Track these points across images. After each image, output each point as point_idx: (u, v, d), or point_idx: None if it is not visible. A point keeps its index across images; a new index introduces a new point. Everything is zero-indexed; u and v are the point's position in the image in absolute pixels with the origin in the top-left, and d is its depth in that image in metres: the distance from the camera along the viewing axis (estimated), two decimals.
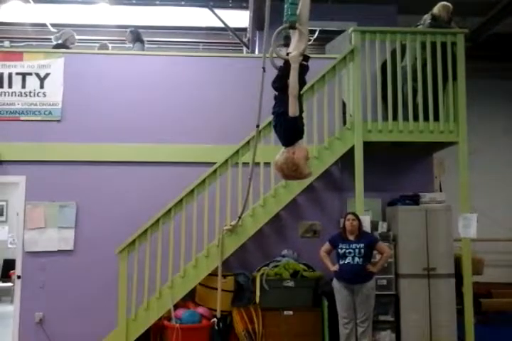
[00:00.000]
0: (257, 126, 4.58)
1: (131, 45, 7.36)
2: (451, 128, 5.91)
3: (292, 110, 3.14)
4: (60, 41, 6.98)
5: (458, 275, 5.75)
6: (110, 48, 7.53)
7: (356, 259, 5.17)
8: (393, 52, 5.97)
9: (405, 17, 7.34)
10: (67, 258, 6.09)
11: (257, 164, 5.46)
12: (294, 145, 3.21)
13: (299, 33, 3.33)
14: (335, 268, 5.29)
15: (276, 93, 3.35)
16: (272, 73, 3.45)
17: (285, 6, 3.37)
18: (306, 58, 3.32)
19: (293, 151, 3.15)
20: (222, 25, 8.25)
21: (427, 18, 6.28)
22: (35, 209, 6.14)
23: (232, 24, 8.34)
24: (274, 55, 3.48)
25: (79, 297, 5.95)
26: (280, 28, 3.39)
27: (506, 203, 8.75)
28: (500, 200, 8.68)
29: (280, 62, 3.38)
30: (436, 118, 5.92)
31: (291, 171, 3.17)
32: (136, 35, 7.33)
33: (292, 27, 3.39)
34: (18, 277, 6.06)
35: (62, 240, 6.11)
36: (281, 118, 3.22)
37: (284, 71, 3.25)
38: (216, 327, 5.48)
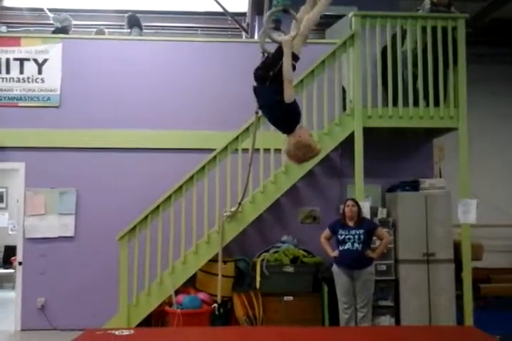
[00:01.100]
0: (256, 113, 4.55)
1: (129, 31, 7.28)
2: (452, 114, 5.89)
3: (289, 95, 3.11)
4: (58, 24, 6.91)
5: (457, 261, 5.78)
6: (107, 33, 7.45)
7: (356, 245, 5.18)
8: (393, 37, 5.93)
9: (406, 1, 7.26)
10: (67, 244, 6.12)
11: (257, 150, 5.45)
12: (295, 130, 3.20)
13: (296, 24, 3.27)
14: (334, 253, 5.31)
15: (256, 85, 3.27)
16: None
17: None
18: (295, 58, 3.26)
19: (298, 135, 3.14)
20: (221, 10, 8.17)
21: (426, 2, 6.23)
22: (35, 195, 6.14)
23: (231, 9, 8.26)
24: (266, 38, 3.44)
25: (80, 283, 5.99)
26: (272, 10, 3.36)
27: (506, 189, 8.75)
28: (500, 186, 8.68)
29: (271, 48, 3.35)
30: (437, 103, 5.89)
31: (305, 153, 3.18)
32: (134, 20, 7.25)
33: (286, 11, 3.37)
34: (20, 263, 6.10)
35: (63, 226, 6.14)
36: (276, 107, 3.18)
37: (276, 58, 3.19)
38: (217, 313, 5.53)
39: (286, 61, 3.14)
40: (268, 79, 3.15)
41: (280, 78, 3.11)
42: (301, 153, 3.18)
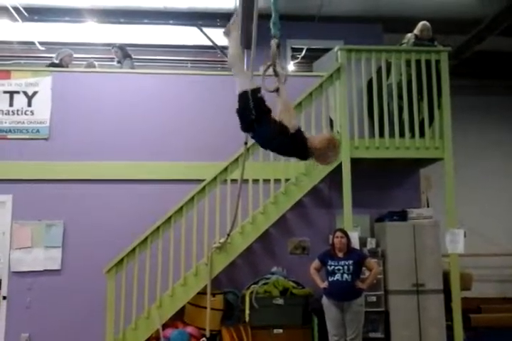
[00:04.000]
0: (245, 143, 4.60)
1: (119, 63, 7.36)
2: (437, 145, 5.99)
3: (295, 123, 3.14)
4: (56, 61, 6.99)
5: (447, 291, 5.76)
6: (97, 66, 7.55)
7: (345, 276, 5.16)
8: (379, 70, 6.07)
9: (391, 35, 7.47)
10: (54, 277, 6.02)
11: (246, 181, 5.47)
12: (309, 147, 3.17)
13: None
14: (324, 285, 5.27)
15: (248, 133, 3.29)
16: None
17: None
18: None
19: (315, 147, 3.09)
20: (211, 44, 8.33)
21: (410, 37, 6.42)
22: (21, 228, 6.07)
23: (220, 42, 8.41)
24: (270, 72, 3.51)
25: (66, 317, 5.87)
26: (273, 44, 3.44)
27: (494, 218, 8.81)
28: (488, 215, 8.74)
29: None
30: (422, 134, 5.99)
31: (333, 148, 3.15)
32: (125, 52, 7.35)
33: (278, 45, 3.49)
34: (4, 298, 5.97)
35: (49, 259, 6.04)
36: (285, 140, 3.14)
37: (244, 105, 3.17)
38: None
39: (285, 93, 3.22)
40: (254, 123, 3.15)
41: (265, 117, 3.12)
42: (330, 150, 3.14)
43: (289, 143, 3.16)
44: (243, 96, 3.11)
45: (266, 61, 3.45)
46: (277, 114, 3.27)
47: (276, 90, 3.36)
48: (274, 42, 3.43)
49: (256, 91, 3.11)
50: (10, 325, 5.89)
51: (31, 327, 5.87)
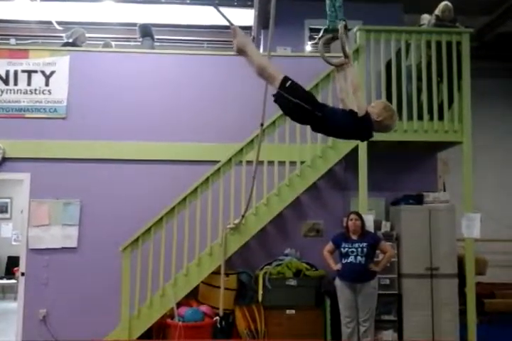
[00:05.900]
0: (261, 125, 4.59)
1: (140, 41, 7.30)
2: (456, 128, 5.90)
3: (364, 104, 3.06)
4: (70, 40, 6.98)
5: (461, 276, 5.75)
6: (114, 46, 7.52)
7: (359, 258, 5.17)
8: (398, 52, 5.97)
9: (411, 16, 7.32)
10: (70, 255, 6.11)
11: (261, 163, 5.47)
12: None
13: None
14: (337, 267, 5.29)
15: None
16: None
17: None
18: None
19: (377, 121, 3.01)
20: (227, 24, 8.24)
21: (431, 18, 6.29)
22: (39, 206, 6.16)
23: (237, 22, 8.30)
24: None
25: (82, 294, 5.98)
26: (323, 37, 3.43)
27: (510, 203, 8.71)
28: (504, 200, 8.65)
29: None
30: (441, 117, 5.91)
31: (394, 113, 3.11)
32: (146, 31, 7.26)
33: (335, 37, 3.46)
34: (22, 274, 6.10)
35: (66, 237, 6.13)
36: (351, 124, 3.01)
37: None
38: (219, 326, 5.49)
39: (354, 73, 3.17)
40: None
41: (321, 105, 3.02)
42: (390, 119, 3.07)
43: (353, 126, 3.04)
44: (280, 98, 2.95)
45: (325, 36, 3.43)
46: (340, 95, 3.24)
47: (339, 66, 3.28)
48: (341, 24, 3.38)
49: (283, 83, 2.93)
50: (28, 300, 6.02)
51: (48, 303, 5.99)
